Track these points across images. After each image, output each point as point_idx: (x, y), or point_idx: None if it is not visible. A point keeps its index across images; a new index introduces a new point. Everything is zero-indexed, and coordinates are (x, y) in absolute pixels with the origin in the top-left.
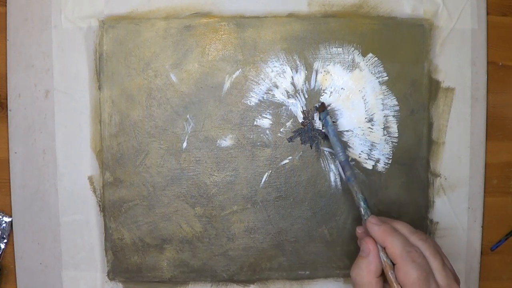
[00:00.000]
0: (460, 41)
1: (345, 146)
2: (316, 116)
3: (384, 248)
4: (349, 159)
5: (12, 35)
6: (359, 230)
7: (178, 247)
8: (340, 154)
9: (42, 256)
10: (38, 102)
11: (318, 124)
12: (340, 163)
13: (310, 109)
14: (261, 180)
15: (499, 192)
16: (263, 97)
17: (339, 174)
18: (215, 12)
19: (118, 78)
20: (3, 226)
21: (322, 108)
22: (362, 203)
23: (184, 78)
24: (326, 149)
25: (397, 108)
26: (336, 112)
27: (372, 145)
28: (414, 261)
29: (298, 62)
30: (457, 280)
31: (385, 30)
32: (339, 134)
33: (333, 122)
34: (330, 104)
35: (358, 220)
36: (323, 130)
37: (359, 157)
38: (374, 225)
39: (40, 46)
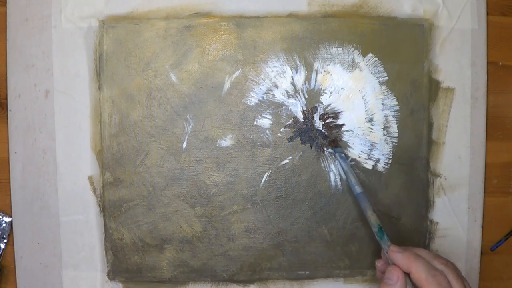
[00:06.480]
0: (460, 41)
1: (345, 146)
2: (316, 116)
3: (408, 274)
4: (364, 191)
5: (12, 35)
6: (378, 264)
7: (178, 247)
8: (356, 187)
9: (42, 256)
10: (38, 102)
11: (318, 124)
12: (356, 196)
13: (310, 109)
14: (261, 180)
15: (499, 192)
16: (263, 97)
17: (361, 208)
18: (215, 12)
19: (118, 78)
20: (3, 226)
21: (335, 144)
22: (381, 235)
23: (184, 78)
24: (330, 150)
25: (397, 108)
26: (337, 112)
27: (372, 145)
28: (440, 284)
29: (298, 62)
30: None
31: (385, 30)
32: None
33: (345, 154)
34: (330, 104)
35: (358, 220)
36: (324, 130)
37: (359, 157)
38: (397, 253)
39: (40, 46)
